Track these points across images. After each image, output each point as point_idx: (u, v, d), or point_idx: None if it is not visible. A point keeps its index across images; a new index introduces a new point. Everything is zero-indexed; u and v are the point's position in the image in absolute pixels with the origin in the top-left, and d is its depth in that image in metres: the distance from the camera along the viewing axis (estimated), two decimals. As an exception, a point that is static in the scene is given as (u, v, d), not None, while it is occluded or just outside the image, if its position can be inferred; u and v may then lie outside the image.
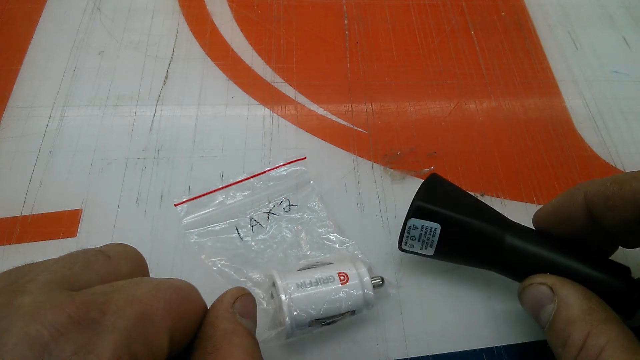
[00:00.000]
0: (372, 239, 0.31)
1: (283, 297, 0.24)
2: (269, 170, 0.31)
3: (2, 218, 0.30)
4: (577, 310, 0.21)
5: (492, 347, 0.28)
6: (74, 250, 0.18)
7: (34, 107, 0.35)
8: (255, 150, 0.34)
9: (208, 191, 0.30)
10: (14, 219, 0.30)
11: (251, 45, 0.40)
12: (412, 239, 0.27)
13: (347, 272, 0.25)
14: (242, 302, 0.20)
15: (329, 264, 0.26)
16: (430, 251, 0.27)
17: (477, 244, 0.26)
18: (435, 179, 0.28)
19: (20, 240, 0.29)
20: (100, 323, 0.14)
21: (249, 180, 0.31)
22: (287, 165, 0.32)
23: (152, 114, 0.35)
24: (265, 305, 0.26)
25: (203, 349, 0.18)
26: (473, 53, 0.41)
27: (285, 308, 0.23)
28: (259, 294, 0.26)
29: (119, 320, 0.14)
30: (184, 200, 0.30)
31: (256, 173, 0.31)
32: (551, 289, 0.23)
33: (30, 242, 0.29)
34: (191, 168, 0.33)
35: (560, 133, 0.37)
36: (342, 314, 0.25)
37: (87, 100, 0.36)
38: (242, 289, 0.21)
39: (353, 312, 0.25)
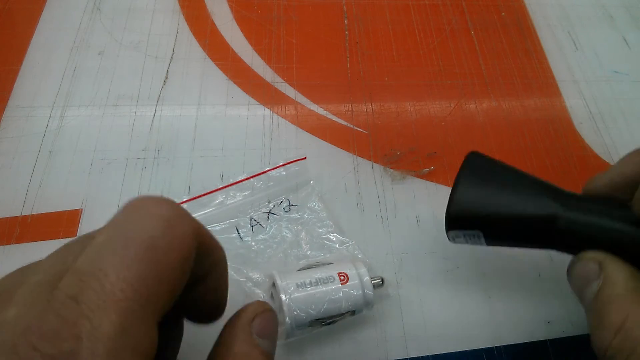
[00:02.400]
0: (372, 239, 0.31)
1: (283, 297, 0.24)
2: (268, 170, 0.31)
3: (2, 218, 0.30)
4: (621, 289, 0.20)
5: (492, 347, 0.28)
6: None
7: (34, 107, 0.35)
8: (255, 150, 0.34)
9: (208, 191, 0.30)
10: (14, 219, 0.30)
11: (251, 45, 0.40)
12: (460, 242, 0.26)
13: (347, 272, 0.25)
14: (261, 319, 0.18)
15: (329, 264, 0.26)
16: (482, 245, 0.25)
17: (525, 236, 0.24)
18: (471, 164, 0.25)
19: (20, 240, 0.29)
20: (78, 354, 0.13)
21: (249, 180, 0.31)
22: (287, 165, 0.32)
23: (152, 114, 0.35)
24: None
25: None
26: (473, 53, 0.41)
27: (285, 308, 0.23)
28: (258, 294, 0.26)
29: (97, 345, 0.13)
30: (184, 200, 0.30)
31: (256, 173, 0.31)
32: (599, 265, 0.21)
33: (30, 242, 0.29)
34: (191, 168, 0.33)
35: (560, 133, 0.37)
36: (342, 314, 0.25)
37: (87, 100, 0.36)
38: (263, 304, 0.19)
39: (353, 312, 0.25)
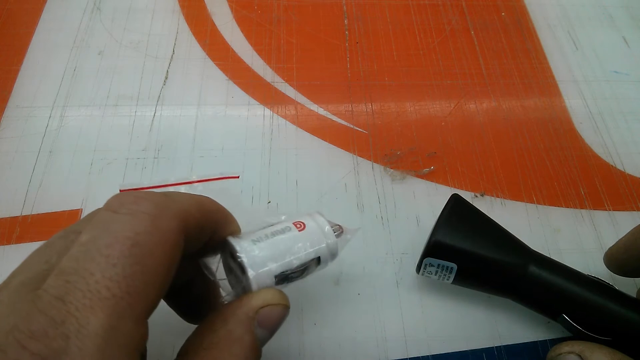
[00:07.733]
0: (372, 239, 0.31)
1: (245, 259, 0.20)
2: (196, 182, 0.25)
3: (2, 218, 0.30)
4: None
5: (492, 347, 0.28)
6: None
7: (34, 107, 0.35)
8: (255, 150, 0.34)
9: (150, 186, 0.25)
10: (14, 219, 0.30)
11: (251, 45, 0.40)
12: (429, 273, 0.27)
13: (303, 220, 0.23)
14: (270, 311, 0.18)
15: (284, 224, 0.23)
16: (448, 283, 0.27)
17: (495, 279, 0.26)
18: (455, 205, 0.27)
19: (20, 240, 0.29)
20: (67, 353, 0.13)
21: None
22: (216, 181, 0.26)
23: (152, 114, 0.35)
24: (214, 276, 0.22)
25: (201, 340, 0.17)
26: (473, 53, 0.41)
27: (247, 268, 0.20)
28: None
29: (85, 342, 0.13)
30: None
31: (182, 182, 0.25)
32: (580, 356, 0.23)
33: (30, 242, 0.29)
34: (191, 168, 0.33)
35: (560, 133, 0.37)
36: (307, 263, 0.22)
37: (87, 100, 0.36)
38: (280, 297, 0.19)
39: (318, 261, 0.22)
